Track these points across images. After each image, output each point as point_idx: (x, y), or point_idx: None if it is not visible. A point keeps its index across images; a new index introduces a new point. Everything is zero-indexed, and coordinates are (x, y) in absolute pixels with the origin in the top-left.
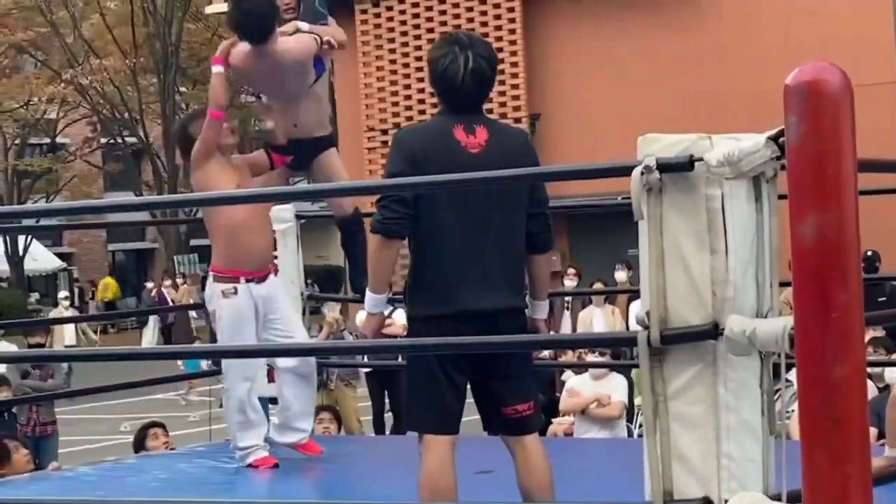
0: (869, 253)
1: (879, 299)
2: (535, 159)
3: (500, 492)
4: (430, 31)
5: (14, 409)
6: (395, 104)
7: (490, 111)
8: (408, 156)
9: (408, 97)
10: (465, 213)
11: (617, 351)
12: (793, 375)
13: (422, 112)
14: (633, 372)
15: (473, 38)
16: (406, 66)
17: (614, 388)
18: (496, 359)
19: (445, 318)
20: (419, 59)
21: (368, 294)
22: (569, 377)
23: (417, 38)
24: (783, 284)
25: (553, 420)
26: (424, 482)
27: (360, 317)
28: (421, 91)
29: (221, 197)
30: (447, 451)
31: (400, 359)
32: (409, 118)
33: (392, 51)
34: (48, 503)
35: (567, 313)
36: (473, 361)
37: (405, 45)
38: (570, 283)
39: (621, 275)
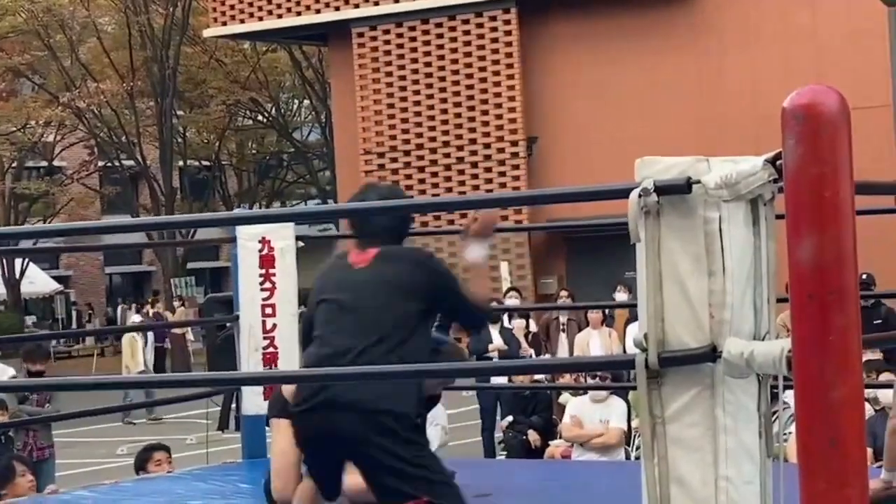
0: (864, 276)
1: (875, 322)
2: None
3: None
4: (427, 54)
5: (10, 433)
6: (392, 127)
7: (487, 134)
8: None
9: (404, 120)
10: None
11: (616, 373)
12: (790, 398)
13: (418, 135)
14: (631, 394)
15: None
16: (403, 89)
17: (613, 412)
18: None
19: None
20: (416, 82)
21: None
22: (566, 399)
23: (414, 61)
24: (780, 301)
25: (550, 442)
26: None
27: None
28: (417, 115)
29: (212, 219)
30: None
31: None
32: (406, 140)
33: (389, 74)
34: None
35: (563, 335)
36: None
37: (402, 68)
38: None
39: (622, 296)
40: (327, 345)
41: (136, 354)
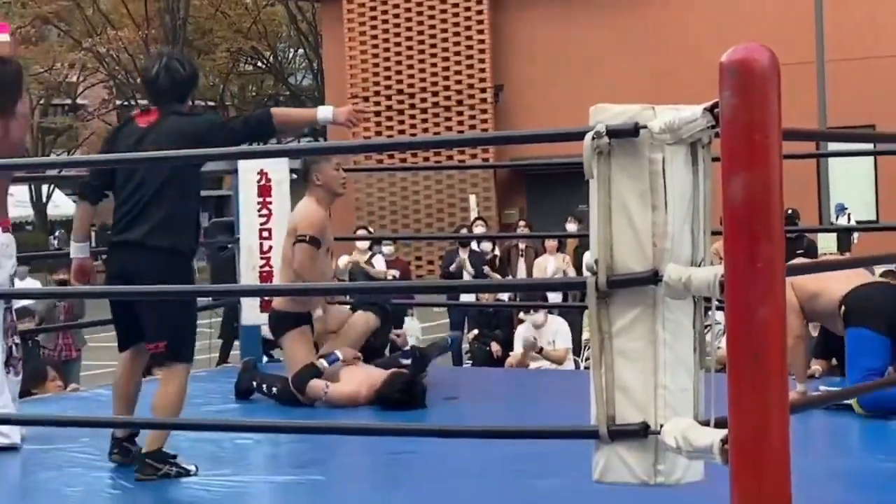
0: (789, 211)
1: (798, 251)
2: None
3: (464, 416)
4: (408, 10)
5: (39, 338)
6: (376, 74)
7: (459, 82)
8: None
9: (387, 69)
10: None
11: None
12: (721, 317)
13: (399, 82)
14: (584, 313)
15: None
16: (386, 41)
17: (558, 334)
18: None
19: None
20: (397, 35)
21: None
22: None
23: (396, 17)
24: (715, 233)
25: (510, 353)
26: None
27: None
28: (399, 63)
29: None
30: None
31: None
32: (388, 87)
33: (374, 28)
34: (63, 419)
35: (521, 260)
36: None
37: (385, 22)
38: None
39: (571, 227)
40: None
41: None
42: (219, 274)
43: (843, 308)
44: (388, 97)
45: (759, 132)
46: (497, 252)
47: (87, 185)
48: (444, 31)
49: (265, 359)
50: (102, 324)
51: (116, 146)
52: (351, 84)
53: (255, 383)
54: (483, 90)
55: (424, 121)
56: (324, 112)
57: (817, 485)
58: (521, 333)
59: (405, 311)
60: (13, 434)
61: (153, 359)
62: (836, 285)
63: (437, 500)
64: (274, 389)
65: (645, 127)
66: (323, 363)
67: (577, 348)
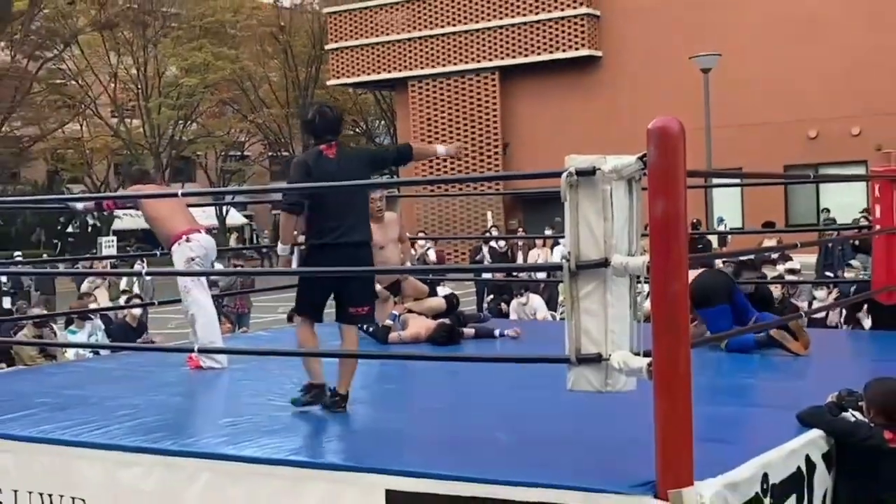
0: (695, 220)
1: (699, 246)
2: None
3: (484, 350)
4: (449, 96)
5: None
6: (429, 133)
7: (481, 142)
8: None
9: (434, 129)
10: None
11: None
12: (647, 287)
13: (442, 138)
14: (560, 285)
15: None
16: (433, 112)
17: (538, 307)
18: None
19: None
20: (442, 111)
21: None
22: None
23: (441, 100)
24: (644, 235)
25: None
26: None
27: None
28: (441, 126)
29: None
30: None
31: None
32: (436, 142)
33: (426, 104)
34: (235, 350)
35: (520, 252)
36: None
37: (434, 104)
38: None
39: (549, 231)
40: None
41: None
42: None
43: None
44: None
45: (671, 173)
46: (506, 247)
47: (297, 204)
48: (472, 109)
49: None
50: (265, 291)
51: (318, 173)
52: (414, 140)
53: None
54: (496, 145)
55: (459, 165)
56: (442, 148)
57: (703, 392)
58: (514, 306)
59: (438, 282)
60: (223, 360)
61: (356, 320)
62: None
63: (463, 395)
64: (371, 329)
65: (600, 169)
66: (388, 322)
67: (555, 306)
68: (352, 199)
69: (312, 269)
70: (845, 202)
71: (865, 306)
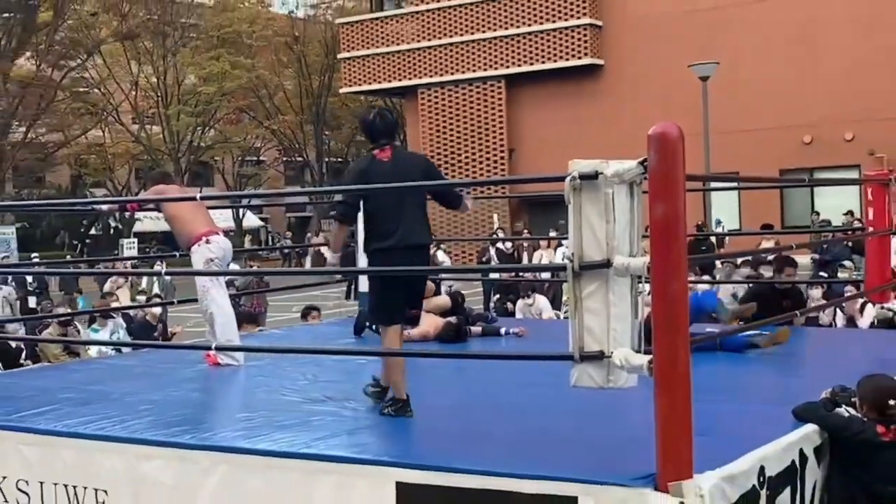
0: (699, 223)
1: (702, 248)
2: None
3: (490, 347)
4: (457, 104)
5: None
6: (438, 141)
7: (488, 149)
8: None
9: (443, 138)
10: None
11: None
12: (647, 287)
13: (450, 146)
14: (564, 285)
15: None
16: (442, 120)
17: (543, 308)
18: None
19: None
20: (450, 118)
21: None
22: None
23: (450, 108)
24: (644, 237)
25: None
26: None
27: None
28: (450, 134)
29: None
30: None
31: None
32: (444, 149)
33: (435, 115)
34: (255, 348)
35: (525, 253)
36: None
37: (442, 112)
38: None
39: (553, 233)
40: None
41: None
42: (344, 262)
43: None
44: (445, 155)
45: (671, 176)
46: (512, 249)
47: (348, 214)
48: (478, 116)
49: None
50: (279, 290)
51: (373, 176)
52: (423, 147)
53: (367, 323)
54: (502, 150)
55: (466, 170)
56: (469, 202)
57: (701, 387)
58: (519, 306)
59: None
60: (240, 358)
61: (410, 321)
62: None
63: (470, 391)
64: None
65: (602, 173)
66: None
67: (559, 306)
68: (406, 200)
69: (319, 270)
70: (838, 204)
71: (858, 305)
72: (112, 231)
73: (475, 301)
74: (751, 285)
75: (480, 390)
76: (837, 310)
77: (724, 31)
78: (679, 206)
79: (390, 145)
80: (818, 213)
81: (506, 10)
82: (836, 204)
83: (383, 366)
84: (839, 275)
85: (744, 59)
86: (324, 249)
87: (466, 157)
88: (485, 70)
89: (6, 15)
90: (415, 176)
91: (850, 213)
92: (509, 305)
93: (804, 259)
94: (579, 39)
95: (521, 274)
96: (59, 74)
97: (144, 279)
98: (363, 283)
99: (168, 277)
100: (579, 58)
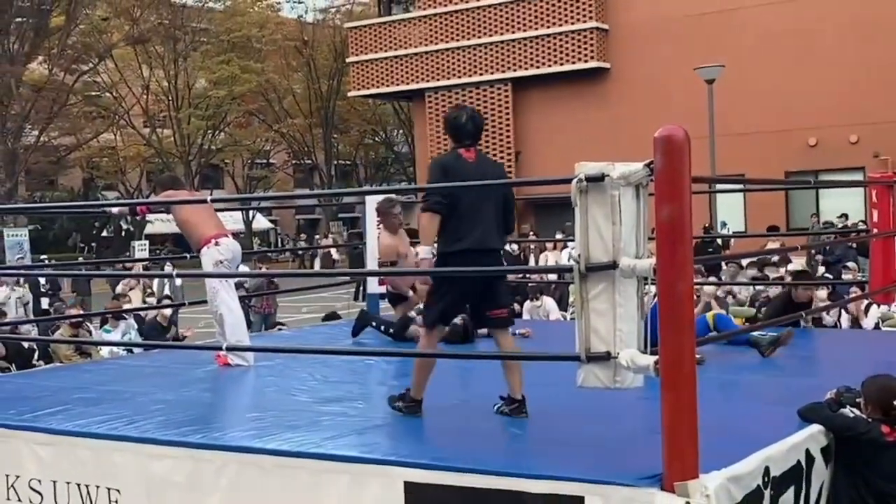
0: (706, 225)
1: (709, 249)
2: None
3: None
4: (467, 97)
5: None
6: (445, 143)
7: (495, 150)
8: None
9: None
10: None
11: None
12: (653, 289)
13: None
14: (570, 287)
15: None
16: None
17: (550, 309)
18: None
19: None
20: None
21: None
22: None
23: (454, 100)
24: (651, 238)
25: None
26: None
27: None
28: None
29: (352, 191)
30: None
31: None
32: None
33: (443, 117)
34: (262, 347)
35: (532, 255)
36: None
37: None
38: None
39: (559, 235)
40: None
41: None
42: (353, 263)
43: None
44: None
45: (677, 179)
46: (519, 250)
47: (440, 203)
48: (486, 118)
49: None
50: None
51: (459, 174)
52: (430, 150)
53: (373, 324)
54: (509, 153)
55: None
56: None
57: (708, 388)
58: (527, 307)
59: None
60: (250, 358)
61: (501, 323)
62: None
63: (478, 391)
64: (390, 330)
65: (608, 175)
66: (413, 314)
67: (565, 307)
68: (485, 203)
69: (328, 272)
70: (843, 207)
71: (863, 306)
72: (124, 233)
73: None
74: (770, 300)
75: (487, 391)
76: (842, 311)
77: (729, 34)
78: (685, 208)
79: (474, 147)
80: (817, 215)
81: (512, 14)
82: (841, 206)
83: (413, 366)
84: (843, 276)
85: (749, 63)
86: (419, 248)
87: None
88: (492, 73)
89: (19, 19)
90: (500, 178)
91: (845, 216)
92: (516, 307)
93: (802, 259)
94: (586, 43)
95: (528, 276)
96: (72, 78)
97: (155, 282)
98: (371, 283)
99: (179, 280)
100: (586, 61)
